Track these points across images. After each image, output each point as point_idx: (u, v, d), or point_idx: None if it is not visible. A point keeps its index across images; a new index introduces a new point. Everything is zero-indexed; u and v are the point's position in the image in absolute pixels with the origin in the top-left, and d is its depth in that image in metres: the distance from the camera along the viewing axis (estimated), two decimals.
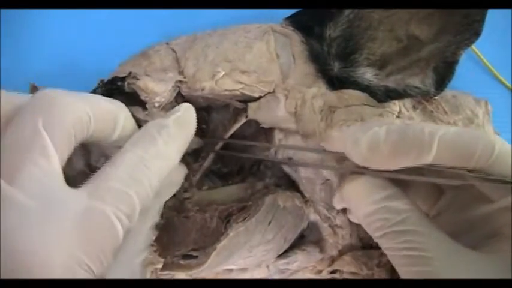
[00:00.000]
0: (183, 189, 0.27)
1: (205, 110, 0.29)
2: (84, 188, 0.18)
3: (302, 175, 0.27)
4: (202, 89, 0.26)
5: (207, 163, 0.28)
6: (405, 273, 0.19)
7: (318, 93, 0.27)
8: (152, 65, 0.27)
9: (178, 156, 0.22)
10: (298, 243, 0.28)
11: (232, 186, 0.28)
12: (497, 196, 0.19)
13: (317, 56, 0.28)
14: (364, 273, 0.27)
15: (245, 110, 0.27)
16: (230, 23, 0.30)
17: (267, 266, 0.28)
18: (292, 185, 0.28)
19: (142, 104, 0.24)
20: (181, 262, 0.25)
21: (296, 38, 0.28)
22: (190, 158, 0.28)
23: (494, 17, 0.26)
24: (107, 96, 0.22)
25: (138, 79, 0.25)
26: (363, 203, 0.20)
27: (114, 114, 0.21)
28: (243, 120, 0.27)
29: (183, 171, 0.24)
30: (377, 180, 0.20)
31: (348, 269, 0.27)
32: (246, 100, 0.27)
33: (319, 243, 0.28)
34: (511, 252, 0.18)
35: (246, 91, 0.26)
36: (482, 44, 0.27)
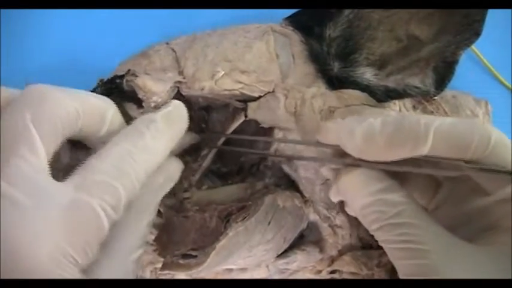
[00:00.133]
0: (183, 189, 0.27)
1: (205, 110, 0.29)
2: (70, 180, 0.18)
3: (302, 175, 0.27)
4: (202, 89, 0.26)
5: (206, 163, 0.28)
6: (402, 266, 0.19)
7: (318, 93, 0.27)
8: (152, 65, 0.27)
9: (166, 150, 0.22)
10: (298, 243, 0.28)
11: (231, 186, 0.28)
12: (494, 188, 0.19)
13: (317, 55, 0.28)
14: (364, 273, 0.27)
15: (244, 109, 0.27)
16: (230, 23, 0.30)
17: (267, 266, 0.28)
18: (291, 185, 0.28)
19: (139, 102, 0.24)
20: (181, 262, 0.25)
21: (296, 37, 0.28)
22: (189, 157, 0.28)
23: (494, 16, 0.26)
24: (106, 96, 0.22)
25: (136, 76, 0.25)
26: (358, 195, 0.20)
27: (102, 110, 0.21)
28: (242, 118, 0.27)
29: (179, 166, 0.24)
30: (373, 172, 0.20)
31: (347, 269, 0.27)
32: (246, 100, 0.27)
33: (318, 243, 0.28)
34: (511, 244, 0.18)
35: (245, 91, 0.26)
36: (482, 44, 0.27)
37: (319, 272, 0.28)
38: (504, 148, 0.19)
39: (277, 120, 0.27)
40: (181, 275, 0.26)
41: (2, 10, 0.35)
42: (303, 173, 0.27)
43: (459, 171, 0.19)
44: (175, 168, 0.24)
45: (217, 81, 0.26)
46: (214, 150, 0.28)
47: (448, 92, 0.31)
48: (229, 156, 0.30)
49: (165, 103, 0.25)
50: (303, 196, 0.27)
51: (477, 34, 0.25)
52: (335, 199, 0.24)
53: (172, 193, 0.27)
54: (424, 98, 0.29)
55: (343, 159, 0.22)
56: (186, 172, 0.28)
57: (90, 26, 0.36)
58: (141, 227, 0.21)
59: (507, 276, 0.17)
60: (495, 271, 0.18)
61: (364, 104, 0.27)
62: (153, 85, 0.24)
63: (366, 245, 0.28)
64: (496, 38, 0.34)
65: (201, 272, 0.25)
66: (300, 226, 0.27)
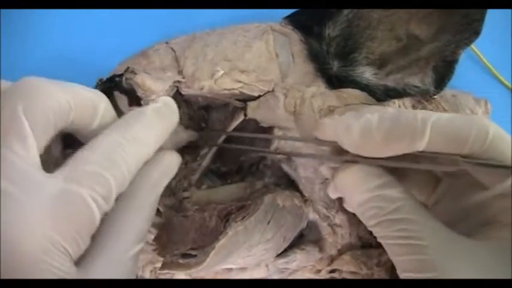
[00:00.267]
0: (182, 188, 0.27)
1: (205, 109, 0.29)
2: (60, 171, 0.18)
3: (301, 174, 0.27)
4: (201, 88, 0.26)
5: (205, 162, 0.28)
6: (400, 262, 0.19)
7: (317, 92, 0.27)
8: (151, 64, 0.27)
9: (157, 143, 0.22)
10: (298, 242, 0.28)
11: (231, 185, 0.28)
12: (492, 182, 0.19)
13: (316, 55, 0.28)
14: (363, 272, 0.27)
15: (244, 108, 0.27)
16: (229, 23, 0.30)
17: (267, 266, 0.28)
18: (291, 185, 0.28)
19: (138, 101, 0.24)
20: (180, 261, 0.25)
21: (295, 37, 0.28)
22: (188, 157, 0.28)
23: (494, 16, 0.26)
24: (105, 94, 0.22)
25: (136, 74, 0.25)
26: (356, 191, 0.20)
27: (94, 103, 0.21)
28: (241, 117, 0.27)
29: (176, 159, 0.24)
30: (371, 169, 0.20)
31: (347, 268, 0.27)
32: (245, 99, 0.27)
33: (318, 242, 0.28)
34: (510, 238, 0.18)
35: (245, 90, 0.26)
36: (482, 43, 0.27)
37: (319, 271, 0.28)
38: (502, 142, 0.19)
39: (276, 120, 0.27)
40: (180, 275, 0.26)
41: (2, 10, 0.35)
42: (302, 172, 0.27)
43: (457, 166, 0.19)
44: (173, 161, 0.23)
45: (217, 80, 0.26)
46: (213, 150, 0.28)
47: (447, 91, 0.31)
48: (228, 156, 0.30)
49: None
50: (302, 195, 0.27)
51: (477, 33, 0.25)
52: (333, 196, 0.24)
53: (171, 192, 0.27)
54: (423, 97, 0.29)
55: (341, 156, 0.22)
56: (186, 171, 0.28)
57: (90, 25, 0.36)
58: (139, 222, 0.21)
59: (506, 271, 0.17)
60: (494, 266, 0.18)
61: (364, 103, 0.27)
62: (152, 84, 0.25)
63: (366, 244, 0.28)
64: (495, 37, 0.34)
65: (201, 272, 0.25)
66: (300, 225, 0.27)
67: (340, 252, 0.28)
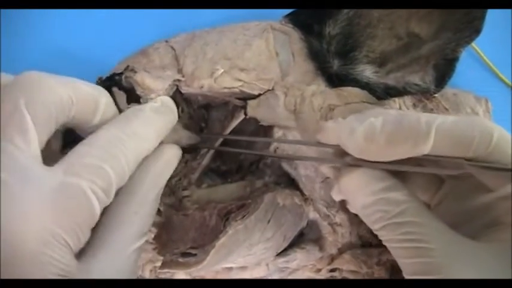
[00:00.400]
0: (182, 187, 0.27)
1: (205, 108, 0.29)
2: (59, 165, 0.18)
3: (302, 173, 0.27)
4: (201, 87, 0.26)
5: (205, 161, 0.28)
6: (406, 265, 0.19)
7: (318, 90, 0.27)
8: (151, 63, 0.27)
9: (156, 138, 0.22)
10: (298, 241, 0.28)
11: (231, 184, 0.28)
12: (496, 185, 0.19)
13: (316, 53, 0.28)
14: (363, 271, 0.27)
15: (244, 107, 0.27)
16: (229, 23, 0.30)
17: (267, 265, 0.28)
18: (291, 183, 0.28)
19: (137, 99, 0.24)
20: (180, 260, 0.25)
21: (295, 35, 0.28)
22: (188, 156, 0.28)
23: (494, 14, 0.26)
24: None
25: (135, 72, 0.25)
26: (360, 194, 0.20)
27: (95, 99, 0.21)
28: (241, 116, 0.27)
29: (177, 153, 0.24)
30: (375, 172, 0.20)
31: (347, 267, 0.27)
32: (245, 98, 0.27)
33: (318, 241, 0.28)
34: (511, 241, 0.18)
35: (245, 89, 0.26)
36: (483, 41, 0.27)
37: (319, 270, 0.28)
38: (506, 145, 0.19)
39: (276, 118, 0.26)
40: (180, 274, 0.26)
41: (2, 10, 0.35)
42: (302, 171, 0.27)
43: (461, 170, 0.19)
44: (173, 154, 0.23)
45: (217, 79, 0.26)
46: None
47: (448, 90, 0.31)
48: (228, 155, 0.30)
49: None
50: (302, 194, 0.27)
51: (477, 31, 0.25)
52: (337, 198, 0.24)
53: (171, 191, 0.27)
54: (424, 96, 0.29)
55: (344, 160, 0.22)
56: (186, 170, 0.28)
57: (89, 25, 0.36)
58: (141, 216, 0.21)
59: (510, 273, 0.17)
60: (498, 268, 0.18)
61: (364, 102, 0.27)
62: (152, 82, 0.24)
63: (366, 243, 0.28)
64: (496, 35, 0.34)
65: (201, 271, 0.25)
66: (300, 224, 0.27)
67: (341, 251, 0.28)
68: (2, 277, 0.16)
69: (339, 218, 0.27)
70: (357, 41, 0.27)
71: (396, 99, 0.28)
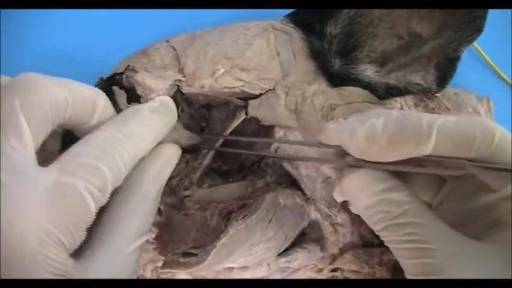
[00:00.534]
0: (183, 187, 0.27)
1: (206, 108, 0.29)
2: (54, 164, 0.18)
3: (303, 173, 0.27)
4: (202, 87, 0.26)
5: (206, 161, 0.28)
6: (408, 266, 0.19)
7: (319, 90, 0.27)
8: (152, 63, 0.27)
9: (153, 138, 0.22)
10: (299, 241, 0.28)
11: (232, 184, 0.28)
12: (499, 185, 0.19)
13: (317, 53, 0.28)
14: (365, 271, 0.27)
15: (245, 107, 0.26)
16: (230, 23, 0.30)
17: (268, 265, 0.27)
18: (293, 183, 0.28)
19: (138, 99, 0.24)
20: (181, 260, 0.25)
21: (296, 35, 0.28)
22: (190, 156, 0.28)
23: (495, 13, 0.26)
24: (105, 93, 0.22)
25: (136, 72, 0.25)
26: (362, 195, 0.20)
27: (92, 100, 0.21)
28: (242, 116, 0.27)
29: (176, 151, 0.24)
30: (376, 173, 0.20)
31: (349, 267, 0.27)
32: (246, 97, 0.27)
33: (320, 241, 0.28)
34: None
35: (246, 88, 0.26)
36: (484, 41, 0.27)
37: (321, 270, 0.28)
38: (508, 145, 0.19)
39: (278, 118, 0.26)
40: (182, 274, 0.26)
41: (2, 10, 0.35)
42: (304, 171, 0.27)
43: (463, 170, 0.19)
44: (172, 152, 0.23)
45: (218, 78, 0.26)
46: None
47: (450, 90, 0.31)
48: (230, 155, 0.30)
49: None
50: (304, 194, 0.27)
51: (479, 31, 0.25)
52: (339, 199, 0.24)
53: (172, 191, 0.27)
54: (425, 95, 0.29)
55: (345, 160, 0.22)
56: (187, 170, 0.28)
57: (90, 25, 0.36)
58: (140, 215, 0.20)
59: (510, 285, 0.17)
60: (501, 268, 0.18)
61: (365, 102, 0.27)
62: (153, 82, 0.24)
63: (367, 243, 0.28)
64: (497, 34, 0.34)
65: (202, 271, 0.25)
66: (301, 224, 0.27)
67: (342, 251, 0.28)
68: (2, 277, 0.16)
69: (341, 217, 0.27)
70: (358, 41, 0.27)
71: (398, 98, 0.28)
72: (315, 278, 0.28)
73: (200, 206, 0.26)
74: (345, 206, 0.26)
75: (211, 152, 0.28)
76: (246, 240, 0.25)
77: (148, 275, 0.26)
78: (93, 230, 0.19)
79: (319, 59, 0.27)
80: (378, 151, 0.20)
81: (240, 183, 0.28)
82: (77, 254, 0.18)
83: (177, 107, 0.25)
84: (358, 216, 0.22)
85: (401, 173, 0.20)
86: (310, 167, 0.27)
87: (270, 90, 0.26)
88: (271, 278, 0.28)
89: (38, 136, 0.18)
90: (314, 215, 0.27)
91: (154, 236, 0.26)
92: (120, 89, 0.24)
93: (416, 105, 0.29)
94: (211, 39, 0.28)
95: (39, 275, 0.17)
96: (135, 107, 0.22)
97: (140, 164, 0.21)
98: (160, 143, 0.23)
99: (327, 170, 0.26)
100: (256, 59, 0.27)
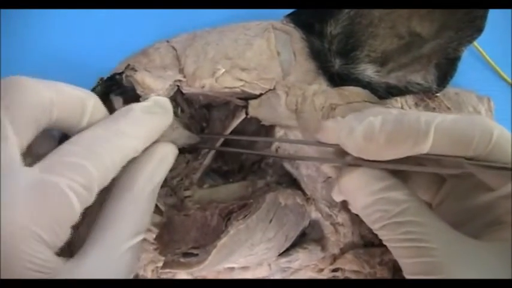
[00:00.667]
0: (184, 187, 0.27)
1: (206, 108, 0.29)
2: (38, 164, 0.18)
3: (303, 173, 0.27)
4: (202, 87, 0.26)
5: (207, 161, 0.28)
6: (407, 265, 0.19)
7: (319, 90, 0.27)
8: (152, 63, 0.27)
9: (146, 138, 0.21)
10: (300, 241, 0.28)
11: (233, 184, 0.28)
12: (497, 184, 0.19)
13: (318, 53, 0.28)
14: (366, 271, 0.27)
15: (245, 107, 0.26)
16: (230, 23, 0.30)
17: (269, 265, 0.27)
18: (293, 183, 0.28)
19: (137, 99, 0.24)
20: (182, 260, 0.25)
21: (297, 35, 0.28)
22: (190, 156, 0.28)
23: (495, 13, 0.26)
24: (105, 93, 0.22)
25: (136, 71, 0.24)
26: (360, 194, 0.20)
27: (81, 101, 0.20)
28: (242, 116, 0.27)
29: (172, 150, 0.24)
30: (375, 172, 0.20)
31: (349, 267, 0.27)
32: (247, 97, 0.27)
33: (320, 241, 0.28)
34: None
35: (246, 88, 0.26)
36: (484, 40, 0.27)
37: (321, 270, 0.28)
38: (507, 144, 0.18)
39: (278, 118, 0.26)
40: (182, 274, 0.26)
41: (2, 10, 0.35)
42: (304, 170, 0.27)
43: (461, 169, 0.19)
44: (167, 151, 0.23)
45: (218, 78, 0.26)
46: None
47: (450, 89, 0.31)
48: (230, 155, 0.30)
49: None
50: (304, 194, 0.27)
51: (479, 30, 0.25)
52: (338, 199, 0.24)
53: (173, 191, 0.27)
54: (426, 95, 0.29)
55: (344, 159, 0.22)
56: (187, 170, 0.28)
57: (89, 25, 0.36)
58: (135, 213, 0.20)
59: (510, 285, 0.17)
60: (500, 267, 0.18)
61: (366, 101, 0.27)
62: (152, 82, 0.24)
63: (368, 242, 0.28)
64: (497, 34, 0.34)
65: (202, 271, 0.25)
66: (302, 224, 0.27)
67: (343, 251, 0.28)
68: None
69: (341, 217, 0.27)
70: (358, 41, 0.27)
71: (398, 98, 0.28)
72: (316, 278, 0.28)
73: (200, 206, 0.26)
74: (345, 205, 0.26)
75: (212, 152, 0.28)
76: (246, 240, 0.25)
77: (149, 275, 0.26)
78: (89, 228, 0.19)
79: (320, 58, 0.27)
80: (375, 149, 0.20)
81: (240, 183, 0.28)
82: (71, 252, 0.18)
83: (177, 107, 0.25)
84: (358, 216, 0.22)
85: (401, 172, 0.20)
86: (311, 166, 0.27)
87: (270, 90, 0.26)
88: (272, 278, 0.28)
89: (23, 137, 0.18)
90: (315, 215, 0.27)
91: (154, 236, 0.26)
92: (120, 88, 0.24)
93: (416, 105, 0.29)
94: (211, 39, 0.28)
95: (18, 271, 0.17)
96: (127, 106, 0.22)
97: (135, 162, 0.21)
98: (157, 142, 0.23)
99: (327, 169, 0.26)
100: (256, 59, 0.27)
